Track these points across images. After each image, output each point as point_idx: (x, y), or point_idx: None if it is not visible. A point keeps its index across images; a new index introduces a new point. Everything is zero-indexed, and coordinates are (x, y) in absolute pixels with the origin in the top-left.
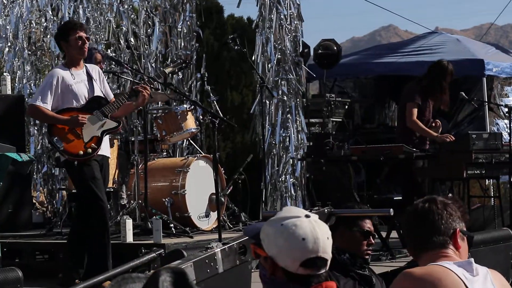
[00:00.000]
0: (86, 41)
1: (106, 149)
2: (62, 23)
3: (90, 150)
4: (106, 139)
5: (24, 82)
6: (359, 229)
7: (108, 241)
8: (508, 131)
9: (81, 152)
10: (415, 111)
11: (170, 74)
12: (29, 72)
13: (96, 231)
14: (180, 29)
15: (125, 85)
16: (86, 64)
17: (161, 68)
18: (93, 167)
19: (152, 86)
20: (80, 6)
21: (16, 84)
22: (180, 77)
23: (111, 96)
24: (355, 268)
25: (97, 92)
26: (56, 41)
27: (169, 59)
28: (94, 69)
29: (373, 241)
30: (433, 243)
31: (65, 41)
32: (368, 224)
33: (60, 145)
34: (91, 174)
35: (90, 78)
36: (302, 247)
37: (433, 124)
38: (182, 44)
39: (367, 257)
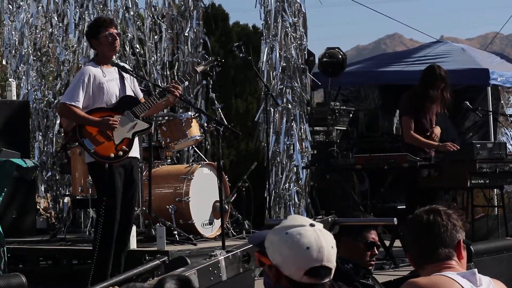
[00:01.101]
0: (117, 37)
1: (136, 151)
2: (93, 20)
3: (121, 152)
4: (136, 140)
5: (29, 88)
6: (363, 240)
7: (107, 254)
8: None
9: (112, 155)
10: (412, 125)
11: (201, 73)
12: (34, 78)
13: (102, 240)
14: (187, 36)
15: None
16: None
17: (193, 67)
18: (117, 177)
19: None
20: (86, 13)
21: (22, 90)
22: (187, 84)
23: (140, 95)
24: (358, 277)
25: (128, 91)
26: (87, 38)
27: (176, 67)
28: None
29: (377, 252)
30: (438, 255)
31: (95, 38)
32: (372, 235)
33: (90, 147)
34: (114, 185)
35: (121, 76)
36: (307, 256)
37: (433, 136)
38: (189, 51)
39: (370, 267)
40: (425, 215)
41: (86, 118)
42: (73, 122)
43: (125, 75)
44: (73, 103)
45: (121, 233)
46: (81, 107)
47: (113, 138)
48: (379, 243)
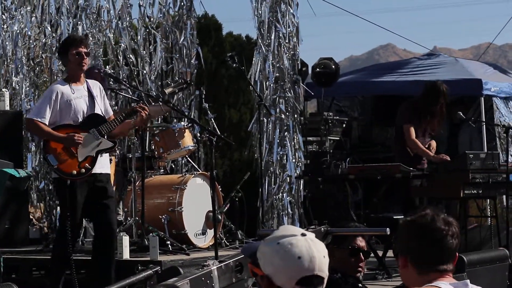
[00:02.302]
0: (85, 56)
1: (105, 167)
2: (64, 38)
3: (83, 170)
4: (104, 157)
5: (22, 98)
6: (348, 246)
7: (57, 267)
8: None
9: (75, 172)
10: (413, 131)
11: (171, 94)
12: (27, 88)
13: (55, 254)
14: (181, 46)
15: (123, 102)
16: (87, 80)
17: (162, 88)
18: (79, 193)
19: (152, 104)
20: (79, 23)
21: (19, 101)
22: (180, 95)
23: (110, 113)
24: (348, 287)
25: (97, 109)
26: (58, 56)
27: (171, 77)
28: (95, 86)
29: (362, 258)
30: (439, 269)
31: (65, 56)
32: (358, 241)
33: (54, 163)
34: (75, 201)
35: (90, 94)
36: (298, 265)
37: (426, 146)
38: (183, 61)
39: (358, 274)
40: (436, 225)
41: (51, 134)
42: (39, 137)
43: (94, 93)
44: (39, 119)
45: (103, 251)
46: (47, 123)
47: (76, 155)
48: (366, 249)
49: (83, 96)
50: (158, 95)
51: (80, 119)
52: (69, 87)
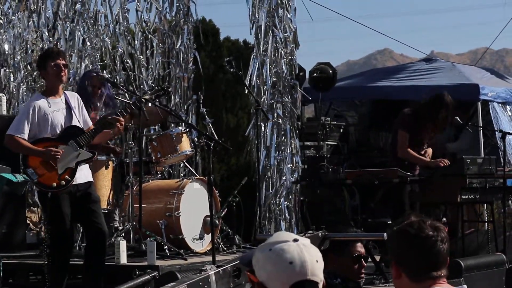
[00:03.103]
0: (63, 68)
1: (87, 175)
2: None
3: (63, 182)
4: (84, 167)
5: (20, 102)
6: (349, 254)
7: (52, 275)
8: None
9: (55, 184)
10: (407, 140)
11: (147, 102)
12: (24, 93)
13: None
14: (178, 51)
15: (120, 107)
16: (65, 92)
17: (139, 96)
18: (63, 203)
19: (130, 112)
20: (77, 27)
21: (17, 106)
22: (178, 99)
23: (89, 124)
24: None
25: (74, 121)
26: (37, 69)
27: (168, 82)
28: (73, 97)
29: (364, 264)
30: (432, 276)
31: (43, 69)
32: (358, 248)
33: (34, 177)
34: (60, 211)
35: (68, 106)
36: (290, 270)
37: (422, 152)
38: (181, 65)
39: (359, 280)
40: (426, 232)
41: (30, 148)
42: (18, 152)
43: (72, 104)
44: (18, 135)
45: (96, 254)
46: (26, 138)
47: (56, 168)
48: (365, 255)
49: (60, 109)
50: (135, 103)
51: (58, 132)
52: (46, 101)
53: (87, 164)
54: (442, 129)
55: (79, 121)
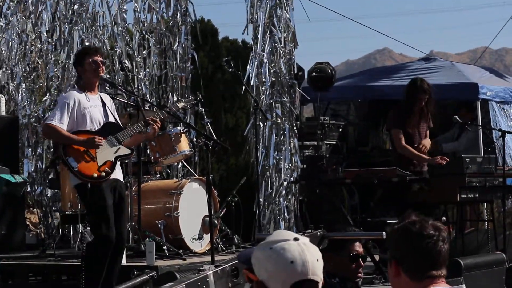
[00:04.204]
0: (101, 64)
1: (120, 174)
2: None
3: (104, 173)
4: (119, 164)
5: (18, 103)
6: (347, 253)
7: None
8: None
9: (95, 175)
10: (401, 136)
11: (182, 110)
12: (23, 94)
13: (97, 256)
14: (175, 51)
15: (119, 107)
16: (99, 92)
17: (174, 103)
18: (106, 193)
19: (164, 119)
20: (75, 28)
21: (15, 107)
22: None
23: (119, 123)
24: None
25: (110, 118)
26: (74, 66)
27: (164, 82)
28: (107, 97)
29: (362, 264)
30: (432, 275)
31: (80, 65)
32: (356, 247)
33: (74, 165)
34: (103, 201)
35: (103, 104)
36: (291, 270)
37: (416, 145)
38: (178, 66)
39: (357, 279)
40: (427, 231)
41: (71, 137)
42: (58, 142)
43: (106, 102)
44: (58, 124)
45: (113, 253)
46: (65, 129)
47: (96, 159)
48: (364, 254)
49: (97, 105)
50: (171, 108)
51: (96, 127)
52: (85, 96)
53: (118, 164)
54: (429, 117)
55: (114, 117)
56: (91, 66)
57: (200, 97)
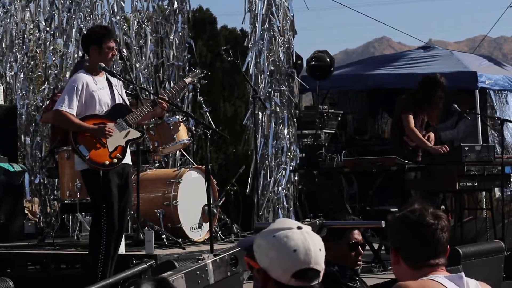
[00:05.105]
0: (116, 53)
1: (128, 158)
2: (96, 26)
3: (115, 160)
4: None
5: (17, 92)
6: (346, 241)
7: (104, 261)
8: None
9: (107, 162)
10: (412, 119)
11: (189, 84)
12: (22, 83)
13: (103, 243)
14: (172, 40)
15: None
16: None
17: (182, 79)
18: (112, 179)
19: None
20: (73, 17)
21: (14, 96)
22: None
23: (127, 103)
24: (345, 280)
25: (118, 99)
26: (85, 42)
27: (161, 71)
28: (113, 78)
29: (361, 251)
30: (431, 263)
31: (97, 46)
32: (355, 235)
33: (85, 153)
34: (110, 190)
35: (110, 84)
36: (294, 258)
37: (426, 137)
38: (174, 55)
39: (356, 267)
40: (427, 220)
41: (81, 125)
42: (68, 129)
43: (113, 82)
44: (68, 110)
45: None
46: (75, 114)
47: (107, 146)
48: (363, 242)
49: (105, 87)
50: (179, 85)
51: (105, 110)
52: (92, 78)
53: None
54: (437, 115)
55: (122, 100)
56: (106, 51)
57: (206, 71)
